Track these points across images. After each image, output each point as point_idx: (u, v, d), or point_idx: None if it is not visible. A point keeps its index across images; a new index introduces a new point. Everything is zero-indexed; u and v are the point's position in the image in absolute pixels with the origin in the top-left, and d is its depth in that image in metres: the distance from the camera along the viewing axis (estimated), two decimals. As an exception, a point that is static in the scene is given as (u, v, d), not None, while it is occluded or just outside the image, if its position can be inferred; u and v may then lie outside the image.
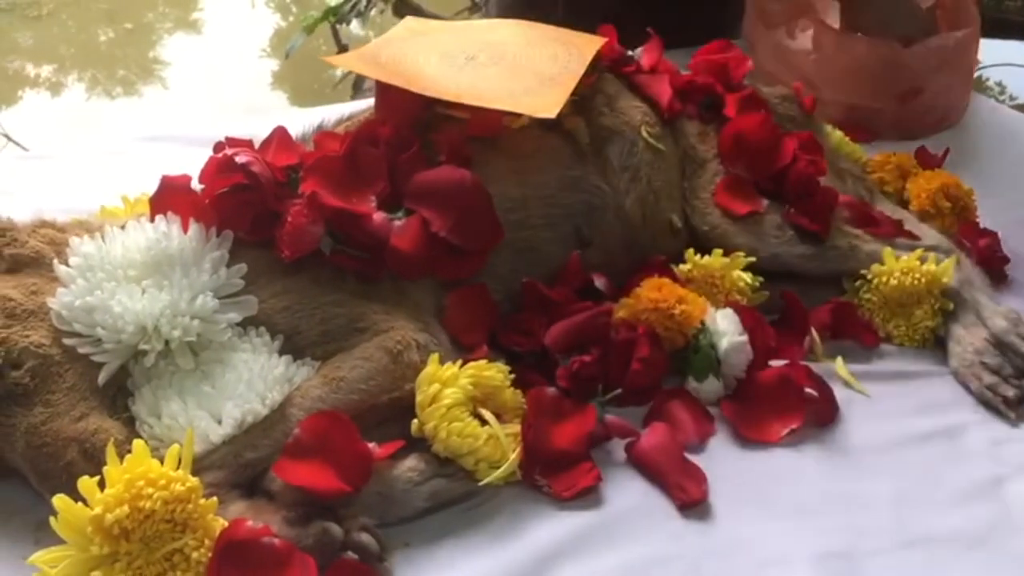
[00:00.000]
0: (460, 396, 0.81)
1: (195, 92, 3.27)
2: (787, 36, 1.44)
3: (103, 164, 1.30)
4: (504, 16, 1.44)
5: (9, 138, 2.85)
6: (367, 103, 1.11)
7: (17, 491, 0.79)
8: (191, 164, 1.26)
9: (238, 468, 0.77)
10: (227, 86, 3.31)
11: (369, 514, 0.77)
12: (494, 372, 0.85)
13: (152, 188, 1.10)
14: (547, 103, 0.97)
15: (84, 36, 3.61)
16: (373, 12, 2.88)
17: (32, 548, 0.74)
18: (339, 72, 3.21)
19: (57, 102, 3.23)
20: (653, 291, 0.95)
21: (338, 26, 2.90)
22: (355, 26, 3.07)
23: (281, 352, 0.84)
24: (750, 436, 0.89)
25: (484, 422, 0.82)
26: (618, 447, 0.87)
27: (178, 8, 3.83)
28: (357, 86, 2.82)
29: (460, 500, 0.81)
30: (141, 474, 0.71)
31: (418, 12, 2.52)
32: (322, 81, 3.35)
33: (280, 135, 0.97)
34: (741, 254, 1.03)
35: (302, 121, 1.04)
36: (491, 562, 0.76)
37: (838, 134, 1.27)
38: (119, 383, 0.80)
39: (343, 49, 2.94)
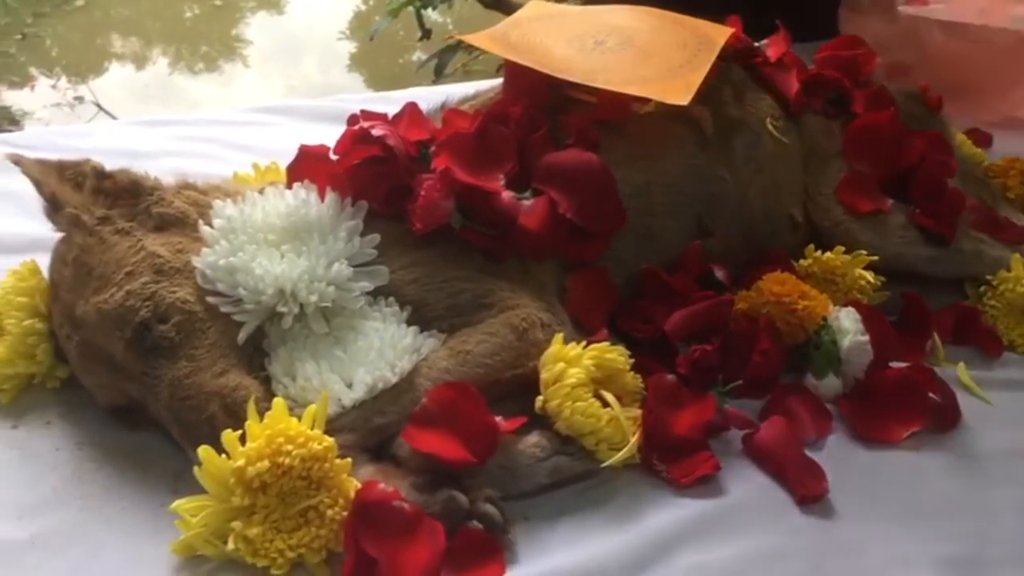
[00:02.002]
0: (583, 376, 0.82)
1: (273, 71, 3.34)
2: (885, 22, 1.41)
3: (224, 132, 1.35)
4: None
5: (100, 107, 2.93)
6: (490, 84, 1.13)
7: (155, 441, 0.82)
8: (307, 136, 1.31)
9: (367, 432, 0.79)
10: (305, 66, 3.37)
11: (492, 486, 0.78)
12: (616, 355, 0.86)
13: (266, 157, 1.16)
14: (679, 90, 0.97)
15: (171, 12, 3.68)
16: (458, -1, 2.91)
17: (171, 496, 0.77)
18: (417, 56, 3.24)
19: (141, 75, 3.32)
20: (776, 285, 0.95)
21: (423, 12, 2.92)
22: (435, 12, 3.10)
23: (408, 323, 0.86)
24: (870, 436, 0.88)
25: (606, 404, 0.83)
26: (736, 438, 0.87)
27: (264, -13, 3.89)
28: (439, 71, 2.84)
29: (579, 479, 0.82)
30: (281, 431, 0.73)
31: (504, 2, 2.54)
32: (399, 65, 3.39)
33: (411, 110, 0.99)
34: (863, 252, 1.02)
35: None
36: (609, 542, 0.77)
37: (960, 136, 1.24)
38: (256, 343, 0.83)
39: (427, 34, 2.97)
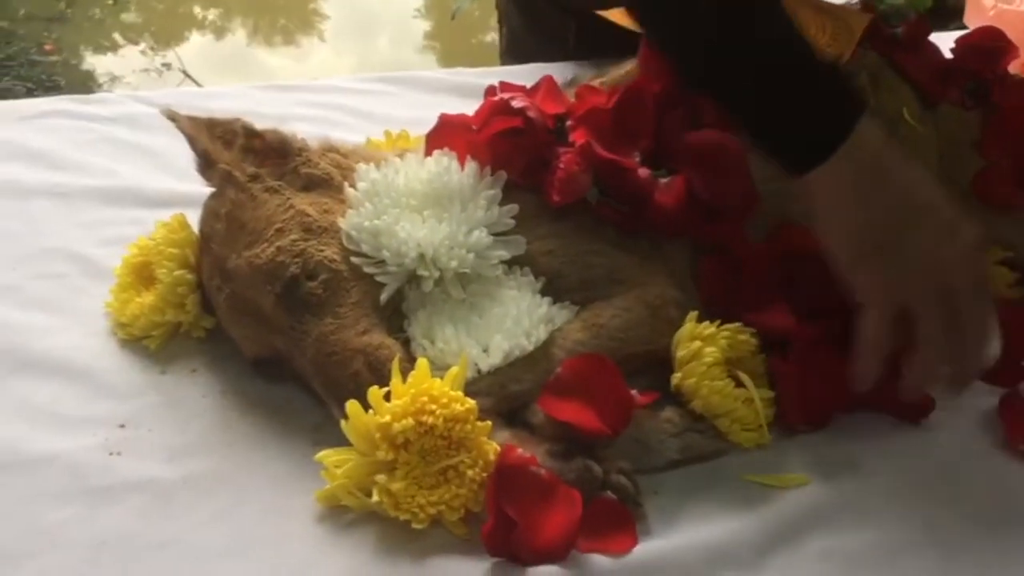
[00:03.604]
0: (719, 356, 0.82)
1: (347, 47, 3.37)
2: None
3: (346, 98, 1.37)
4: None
5: (186, 74, 3.01)
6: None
7: (295, 394, 0.85)
8: (424, 106, 1.33)
9: (502, 398, 0.81)
10: (378, 42, 3.40)
11: (623, 459, 0.78)
12: (748, 336, 0.86)
13: (386, 124, 1.18)
14: (822, 73, 0.96)
15: (252, -18, 3.75)
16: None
17: (311, 448, 0.79)
18: (491, 37, 3.24)
19: (220, 45, 3.38)
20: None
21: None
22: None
23: (541, 294, 0.87)
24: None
25: (739, 384, 0.83)
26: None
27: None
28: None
29: (709, 457, 0.82)
30: (424, 391, 0.75)
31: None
32: (472, 45, 3.40)
33: (548, 84, 0.99)
34: (997, 248, 1.00)
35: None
36: (739, 522, 0.77)
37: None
38: (394, 306, 0.85)
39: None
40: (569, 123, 0.95)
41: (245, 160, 0.88)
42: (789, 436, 0.84)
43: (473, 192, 0.88)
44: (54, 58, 3.20)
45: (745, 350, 0.85)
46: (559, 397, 0.80)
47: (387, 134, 1.11)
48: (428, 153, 0.92)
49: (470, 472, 0.74)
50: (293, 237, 0.83)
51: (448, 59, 3.35)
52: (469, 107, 1.35)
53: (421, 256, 0.84)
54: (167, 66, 3.18)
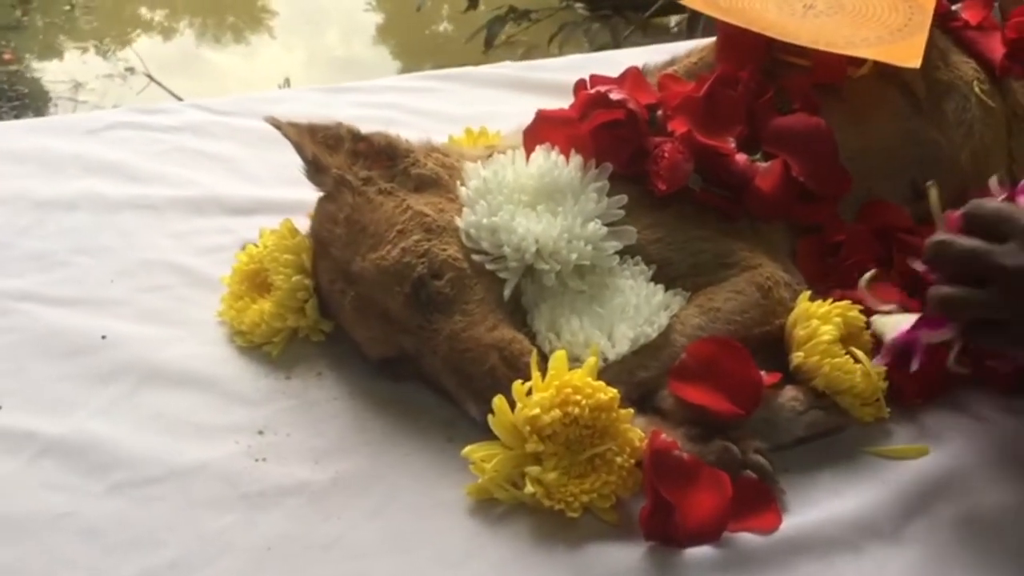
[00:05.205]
0: (836, 333, 0.84)
1: (299, 43, 3.36)
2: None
3: (402, 98, 1.38)
4: None
5: (151, 78, 2.98)
6: (686, 48, 1.14)
7: (421, 391, 0.86)
8: (480, 101, 1.34)
9: (632, 386, 0.82)
10: (329, 38, 3.38)
11: (754, 439, 0.81)
12: (856, 313, 0.88)
13: (447, 122, 1.19)
14: (908, 52, 0.98)
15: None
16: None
17: (446, 444, 0.82)
18: (444, 27, 3.24)
19: (168, 46, 3.35)
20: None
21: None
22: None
23: (652, 282, 0.88)
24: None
25: (856, 360, 0.85)
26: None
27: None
28: (489, 42, 2.87)
29: (832, 433, 0.84)
30: (567, 382, 0.76)
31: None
32: (424, 36, 3.39)
33: (634, 75, 1.01)
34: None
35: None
36: (872, 493, 0.79)
37: None
38: (515, 300, 0.86)
39: (474, 4, 2.97)
40: (660, 112, 0.96)
41: (354, 164, 0.89)
42: (901, 409, 0.87)
43: (582, 185, 0.89)
44: (14, 67, 3.16)
45: (855, 326, 0.87)
46: (687, 381, 0.82)
47: (468, 131, 1.12)
48: (528, 148, 0.93)
49: (618, 459, 0.76)
50: (416, 238, 0.84)
51: (403, 52, 3.35)
52: (520, 100, 1.38)
53: (540, 250, 0.85)
54: (131, 70, 3.15)
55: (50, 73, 3.20)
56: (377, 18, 3.54)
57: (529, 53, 3.02)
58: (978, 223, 0.73)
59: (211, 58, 3.32)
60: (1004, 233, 0.72)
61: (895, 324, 0.82)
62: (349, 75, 2.96)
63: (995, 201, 0.76)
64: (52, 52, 3.33)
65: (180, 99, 2.77)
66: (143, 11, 3.56)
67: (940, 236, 0.75)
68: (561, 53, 2.82)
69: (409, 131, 1.23)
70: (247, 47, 3.41)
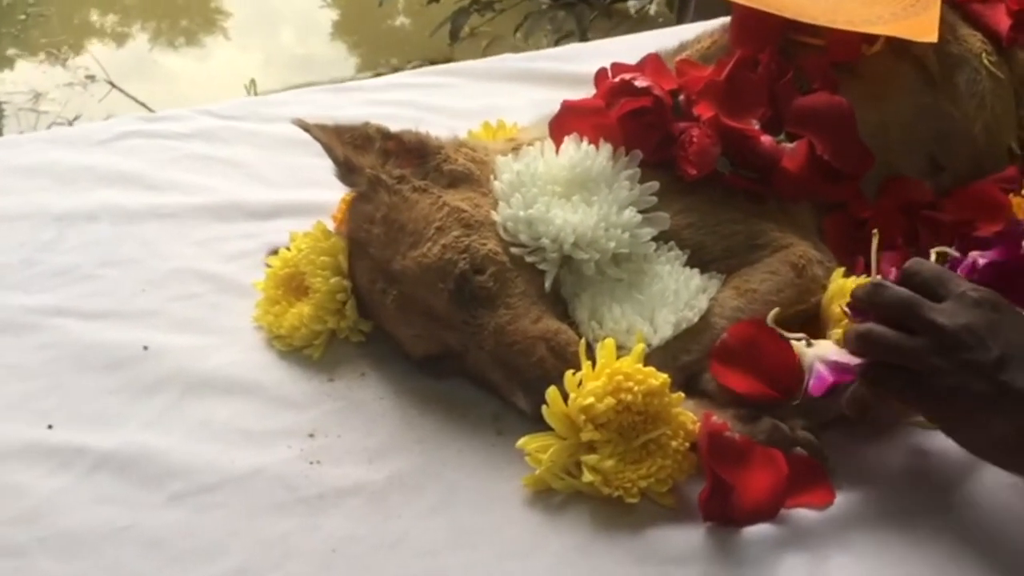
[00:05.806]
0: (872, 309, 0.86)
1: (255, 43, 3.33)
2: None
3: (410, 94, 1.37)
4: None
5: (113, 84, 2.95)
6: (695, 32, 1.14)
7: (464, 387, 0.86)
8: (488, 94, 1.34)
9: (676, 370, 0.83)
10: (287, 37, 3.36)
11: (799, 417, 0.82)
12: (889, 289, 0.89)
13: (458, 117, 1.19)
14: (924, 27, 0.99)
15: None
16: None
17: (496, 437, 0.82)
18: (400, 22, 3.23)
19: (122, 52, 3.31)
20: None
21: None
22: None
23: (687, 266, 0.89)
24: None
25: (893, 334, 0.86)
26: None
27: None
28: (454, 35, 2.86)
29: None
30: (618, 369, 0.77)
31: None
32: (380, 31, 3.38)
33: (654, 61, 1.01)
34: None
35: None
36: (917, 464, 0.80)
37: None
38: (554, 291, 0.87)
39: None
40: (682, 97, 0.97)
41: (386, 163, 0.89)
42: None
43: (614, 173, 0.90)
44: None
45: (888, 301, 0.89)
46: (729, 364, 0.82)
47: (486, 125, 1.12)
48: (556, 139, 0.93)
49: (673, 443, 0.76)
50: (455, 234, 0.84)
51: (361, 48, 3.33)
52: (524, 91, 1.38)
53: (578, 240, 0.86)
54: (91, 78, 3.11)
55: (8, 84, 3.15)
56: (333, 15, 3.52)
57: (494, 44, 3.02)
58: (917, 280, 0.73)
59: (167, 62, 3.28)
60: (940, 295, 0.72)
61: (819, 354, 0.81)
62: (309, 73, 2.92)
63: (934, 264, 0.77)
64: (4, 62, 3.27)
65: (146, 106, 2.76)
66: (94, 17, 3.50)
67: (878, 280, 0.76)
68: (527, 42, 2.83)
69: (420, 127, 1.24)
70: (202, 50, 3.37)
